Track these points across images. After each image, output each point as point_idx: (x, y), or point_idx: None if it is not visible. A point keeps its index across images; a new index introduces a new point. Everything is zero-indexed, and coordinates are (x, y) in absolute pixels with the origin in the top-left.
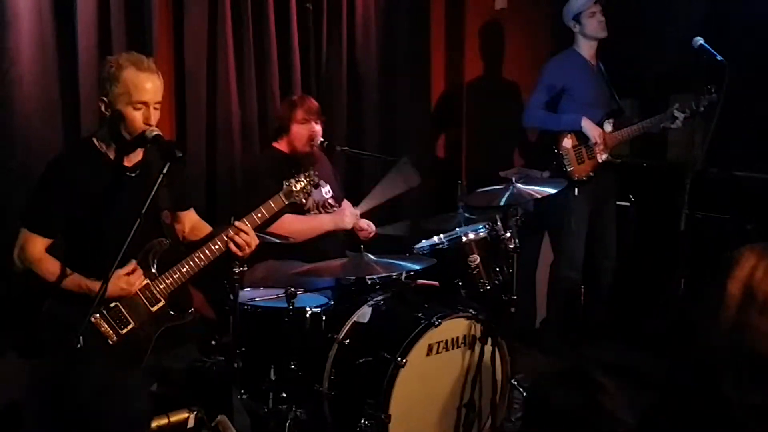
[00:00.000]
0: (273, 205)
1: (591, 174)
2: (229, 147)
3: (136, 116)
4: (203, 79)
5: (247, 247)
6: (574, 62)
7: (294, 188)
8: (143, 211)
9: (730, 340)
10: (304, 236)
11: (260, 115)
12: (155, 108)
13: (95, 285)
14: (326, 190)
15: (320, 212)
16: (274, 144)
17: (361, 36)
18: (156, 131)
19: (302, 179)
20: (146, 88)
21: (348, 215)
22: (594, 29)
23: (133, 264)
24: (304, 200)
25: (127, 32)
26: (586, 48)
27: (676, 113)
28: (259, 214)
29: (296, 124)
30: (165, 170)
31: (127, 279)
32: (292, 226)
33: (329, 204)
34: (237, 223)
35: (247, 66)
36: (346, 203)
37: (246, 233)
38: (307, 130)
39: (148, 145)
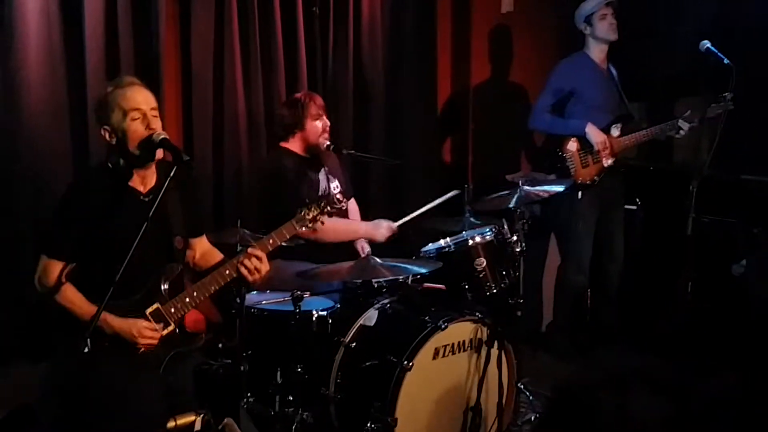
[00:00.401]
0: (285, 232)
1: (596, 178)
2: (236, 149)
3: (137, 126)
4: (210, 82)
5: (257, 273)
6: (584, 65)
7: (307, 216)
8: (150, 215)
9: None
10: (337, 239)
11: (267, 117)
12: (153, 115)
13: (116, 321)
14: (335, 185)
15: None
16: (283, 144)
17: (367, 39)
18: (163, 134)
19: (315, 208)
20: (135, 97)
21: (384, 228)
22: (604, 31)
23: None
24: (316, 229)
25: (134, 35)
26: (596, 51)
27: (681, 123)
28: (271, 240)
29: (310, 120)
30: (172, 174)
31: (151, 332)
32: (332, 225)
33: (338, 200)
34: (249, 250)
35: (253, 68)
36: (384, 221)
37: (258, 258)
38: (322, 124)
39: (159, 149)
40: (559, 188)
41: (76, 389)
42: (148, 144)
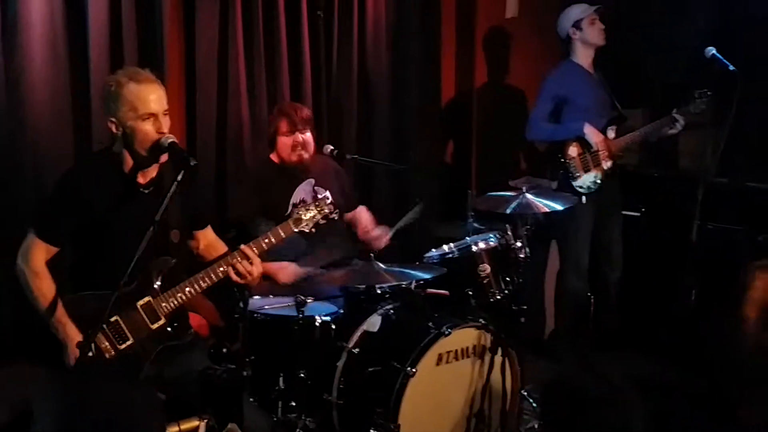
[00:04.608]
0: (281, 231)
1: (597, 181)
2: (239, 154)
3: (148, 129)
4: (214, 86)
5: (248, 275)
6: (573, 72)
7: (303, 216)
8: (157, 218)
9: (751, 363)
10: None
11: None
12: (164, 114)
13: (73, 332)
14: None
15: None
16: (271, 155)
17: (372, 43)
18: (171, 138)
19: (312, 208)
20: (150, 99)
21: (290, 272)
22: (595, 36)
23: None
24: (313, 230)
25: (138, 39)
26: (584, 57)
27: (676, 116)
28: (266, 240)
29: (281, 136)
30: (179, 178)
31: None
32: None
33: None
34: (243, 247)
35: (257, 73)
36: (292, 265)
37: (249, 260)
38: (291, 141)
39: (165, 153)
40: (560, 206)
41: (74, 397)
42: (156, 147)
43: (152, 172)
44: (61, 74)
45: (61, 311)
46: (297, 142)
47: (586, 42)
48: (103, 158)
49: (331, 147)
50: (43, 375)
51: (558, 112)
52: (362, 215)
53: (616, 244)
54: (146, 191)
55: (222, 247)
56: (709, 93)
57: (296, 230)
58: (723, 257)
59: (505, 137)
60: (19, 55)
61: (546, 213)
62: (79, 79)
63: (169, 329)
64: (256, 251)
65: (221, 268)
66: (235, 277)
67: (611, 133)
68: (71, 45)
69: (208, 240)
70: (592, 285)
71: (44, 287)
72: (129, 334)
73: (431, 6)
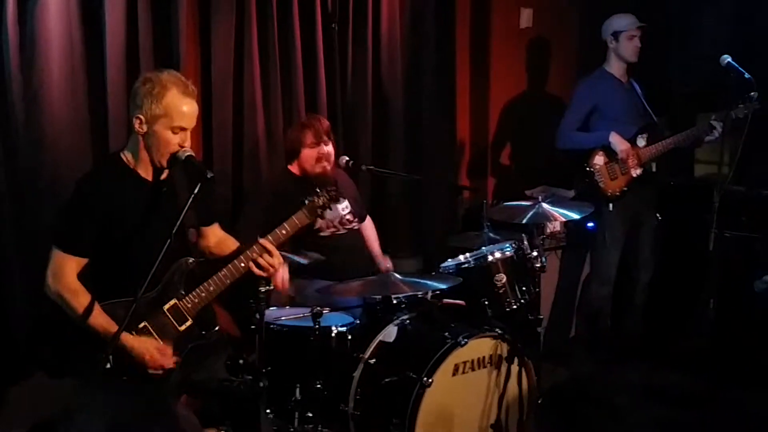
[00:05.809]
0: (297, 221)
1: (625, 189)
2: (256, 167)
3: (173, 139)
4: (229, 99)
5: (271, 268)
6: (605, 81)
7: (317, 203)
8: (174, 231)
9: None
10: None
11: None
12: (190, 132)
13: (130, 339)
14: (343, 206)
15: (338, 228)
16: (289, 167)
17: (386, 56)
18: (188, 152)
19: (324, 194)
20: (187, 114)
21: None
22: (629, 52)
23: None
24: (325, 217)
25: (155, 53)
26: (616, 67)
27: (714, 123)
28: (284, 231)
29: (306, 148)
30: (196, 191)
31: (161, 354)
32: None
33: (347, 220)
34: (261, 241)
35: (272, 86)
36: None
37: (270, 253)
38: (316, 152)
39: (179, 165)
40: (577, 215)
41: (99, 410)
42: (172, 159)
43: (165, 172)
44: (78, 89)
45: (109, 323)
46: (322, 153)
47: (619, 54)
48: (116, 161)
49: (347, 158)
50: (82, 389)
51: (588, 119)
52: (368, 232)
53: (648, 247)
54: (160, 191)
55: (233, 243)
56: (754, 96)
57: (310, 219)
58: (740, 265)
59: (521, 146)
60: (37, 70)
61: (578, 222)
62: (96, 93)
63: (197, 329)
64: (274, 243)
65: (242, 264)
66: (257, 271)
67: (642, 141)
68: (88, 60)
69: (218, 237)
70: (621, 289)
71: (86, 303)
72: (158, 338)
73: (445, 16)
